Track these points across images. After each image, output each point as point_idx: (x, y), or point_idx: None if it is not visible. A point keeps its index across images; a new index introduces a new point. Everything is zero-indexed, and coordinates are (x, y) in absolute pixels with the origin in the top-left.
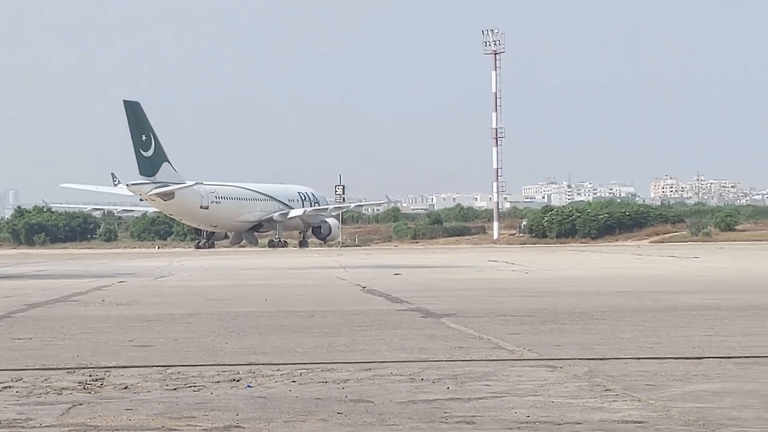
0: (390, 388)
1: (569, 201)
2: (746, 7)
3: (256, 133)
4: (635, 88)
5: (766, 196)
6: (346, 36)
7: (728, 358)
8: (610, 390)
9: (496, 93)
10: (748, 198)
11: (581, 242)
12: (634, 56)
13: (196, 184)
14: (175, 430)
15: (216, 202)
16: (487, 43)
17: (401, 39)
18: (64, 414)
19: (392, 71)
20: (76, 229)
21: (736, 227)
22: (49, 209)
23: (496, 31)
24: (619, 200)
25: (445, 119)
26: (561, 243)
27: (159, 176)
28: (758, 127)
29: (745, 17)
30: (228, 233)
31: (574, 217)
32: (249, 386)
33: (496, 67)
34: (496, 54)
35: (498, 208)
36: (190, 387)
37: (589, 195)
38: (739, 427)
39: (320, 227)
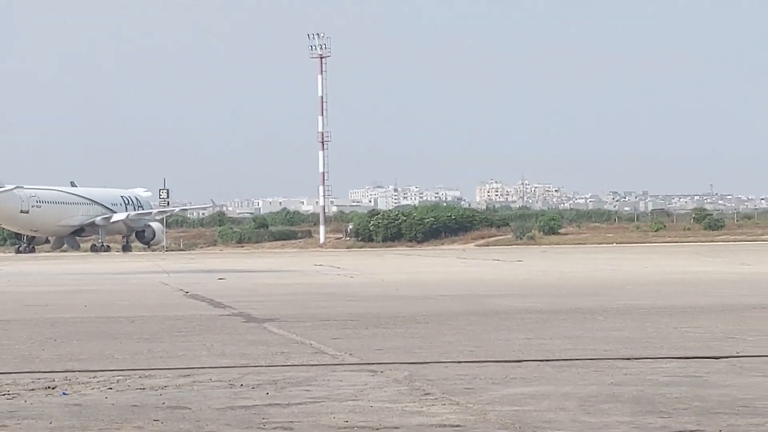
0: (209, 394)
1: (396, 205)
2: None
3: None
4: (460, 93)
5: (588, 200)
6: (169, 37)
7: (547, 361)
8: (429, 394)
9: (322, 97)
10: (571, 202)
11: (407, 246)
12: (455, 60)
13: (16, 188)
14: None
15: (37, 207)
16: (313, 47)
17: (227, 41)
18: None
19: (219, 74)
20: None
21: (560, 231)
22: None
23: (322, 35)
24: (445, 204)
25: (272, 123)
26: (387, 247)
27: None
28: (579, 133)
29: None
30: (49, 238)
31: (400, 220)
32: (64, 393)
33: (322, 71)
34: (322, 58)
35: (324, 212)
36: (3, 395)
37: (415, 199)
38: (554, 430)
39: (144, 231)
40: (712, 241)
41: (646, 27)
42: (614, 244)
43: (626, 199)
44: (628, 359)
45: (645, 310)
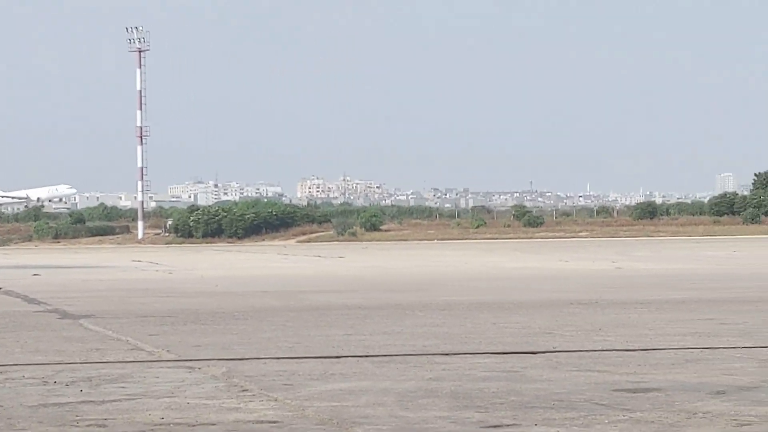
0: (22, 391)
1: (216, 201)
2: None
3: None
4: (280, 87)
5: (410, 197)
6: None
7: (366, 356)
8: (247, 390)
9: (140, 91)
10: (392, 198)
11: (228, 242)
12: (277, 52)
13: None
14: None
15: None
16: (132, 41)
17: (40, 35)
18: None
19: (25, 72)
20: None
21: (381, 227)
22: None
23: (141, 28)
24: (266, 200)
25: (89, 117)
26: (207, 243)
27: None
28: (399, 130)
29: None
30: None
31: (220, 216)
32: None
33: (140, 65)
34: (140, 51)
35: (143, 208)
36: None
37: (236, 195)
38: (372, 425)
39: None
40: (531, 238)
41: (458, 28)
42: (435, 241)
43: (447, 196)
44: (446, 355)
45: (465, 306)
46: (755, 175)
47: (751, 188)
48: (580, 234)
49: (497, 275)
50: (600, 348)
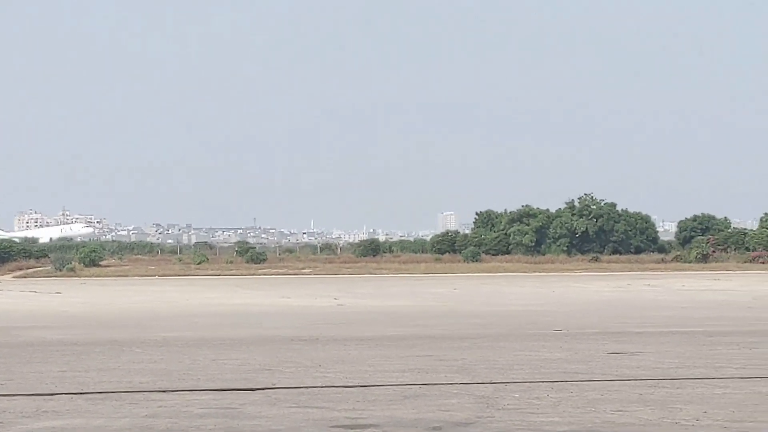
0: None
1: None
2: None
3: None
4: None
5: (131, 232)
6: None
7: (80, 393)
8: None
9: None
10: (113, 234)
11: None
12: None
13: None
14: None
15: None
16: None
17: None
18: None
19: None
20: None
21: (101, 263)
22: None
23: None
24: None
25: None
26: None
27: None
28: (119, 162)
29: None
30: None
31: None
32: None
33: None
34: None
35: None
36: None
37: None
38: None
39: None
40: (254, 274)
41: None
42: (156, 277)
43: (170, 232)
44: (163, 391)
45: (184, 342)
46: (476, 213)
47: (472, 227)
48: (303, 271)
49: (218, 311)
50: (320, 384)
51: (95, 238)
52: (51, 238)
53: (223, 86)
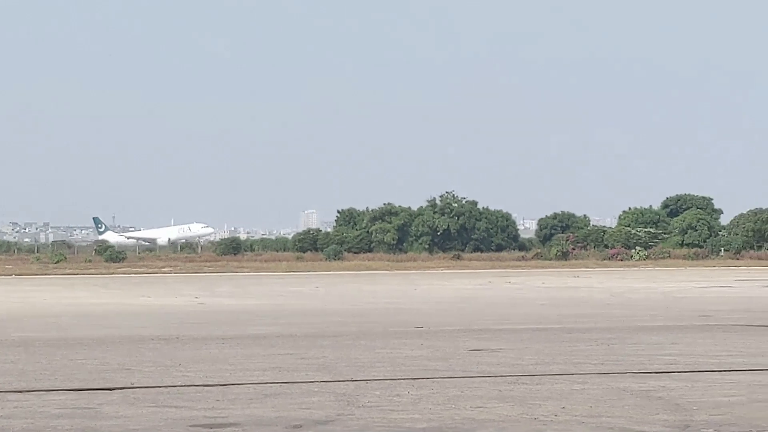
0: None
1: None
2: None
3: None
4: None
5: None
6: None
7: None
8: None
9: None
10: None
11: None
12: None
13: None
14: None
15: None
16: None
17: None
18: None
19: None
20: None
21: None
22: None
23: None
24: None
25: None
26: None
27: None
28: None
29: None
30: None
31: None
32: None
33: None
34: None
35: None
36: None
37: None
38: None
39: None
40: (113, 273)
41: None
42: (13, 276)
43: (27, 230)
44: (19, 392)
45: (41, 342)
46: (338, 212)
47: (334, 225)
48: (164, 270)
49: (76, 311)
50: (179, 383)
51: None
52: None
53: None
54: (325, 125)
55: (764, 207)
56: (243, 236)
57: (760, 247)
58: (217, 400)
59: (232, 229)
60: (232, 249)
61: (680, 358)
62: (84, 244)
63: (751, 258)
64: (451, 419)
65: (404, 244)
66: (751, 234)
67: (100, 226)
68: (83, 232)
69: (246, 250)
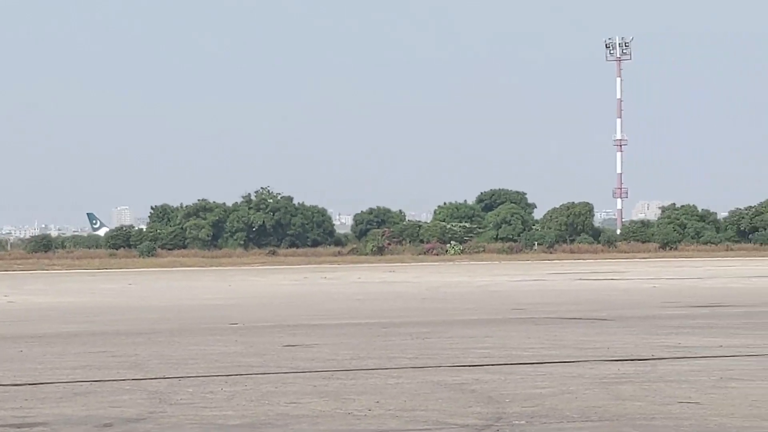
0: None
1: None
2: None
3: None
4: None
5: None
6: None
7: None
8: None
9: None
10: None
11: None
12: None
13: None
14: None
15: None
16: None
17: None
18: None
19: None
20: None
21: None
22: None
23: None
24: None
25: None
26: None
27: None
28: None
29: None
30: None
31: None
32: None
33: None
34: None
35: None
36: None
37: None
38: None
39: None
40: None
41: None
42: None
43: None
44: None
45: None
46: (152, 208)
47: (148, 221)
48: None
49: None
50: None
51: None
52: None
53: None
54: (132, 120)
55: (576, 201)
56: (54, 233)
57: (572, 241)
58: (26, 400)
59: (43, 226)
60: (43, 246)
61: (494, 351)
62: None
63: (564, 252)
64: (265, 415)
65: (219, 241)
66: (563, 228)
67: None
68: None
69: (57, 248)
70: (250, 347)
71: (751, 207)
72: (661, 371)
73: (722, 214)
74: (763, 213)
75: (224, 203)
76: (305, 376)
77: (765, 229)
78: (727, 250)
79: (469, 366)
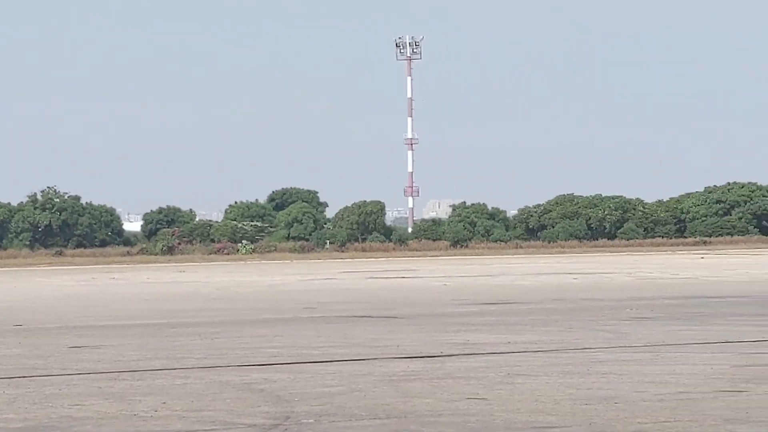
0: None
1: None
2: None
3: None
4: None
5: None
6: None
7: None
8: None
9: None
10: None
11: None
12: None
13: None
14: None
15: None
16: None
17: None
18: None
19: None
20: None
21: None
22: None
23: None
24: None
25: None
26: None
27: None
28: None
29: None
30: None
31: None
32: None
33: None
34: None
35: None
36: None
37: None
38: None
39: None
40: None
41: None
42: None
43: None
44: None
45: None
46: None
47: None
48: None
49: None
50: None
51: None
52: None
53: None
54: None
55: (368, 200)
56: None
57: (364, 240)
58: None
59: None
60: None
61: (284, 350)
62: None
63: (356, 250)
64: (48, 418)
65: (4, 241)
66: (355, 227)
67: None
68: None
69: None
70: (35, 349)
71: (539, 205)
72: (449, 368)
73: (512, 213)
74: (551, 211)
75: (9, 203)
76: (90, 377)
77: (553, 227)
78: (516, 248)
79: (259, 365)
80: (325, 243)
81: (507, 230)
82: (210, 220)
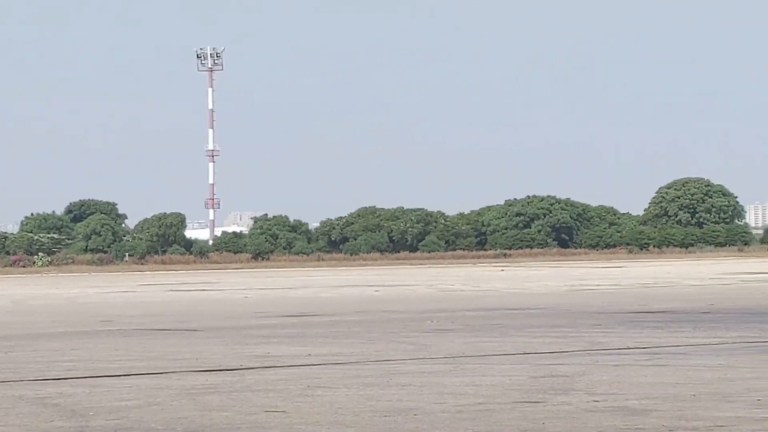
0: None
1: None
2: None
3: None
4: None
5: None
6: None
7: None
8: None
9: None
10: None
11: None
12: None
13: None
14: None
15: None
16: None
17: None
18: None
19: None
20: None
21: None
22: None
23: None
24: None
25: None
26: None
27: None
28: None
29: None
30: None
31: None
32: None
33: None
34: None
35: None
36: None
37: None
38: None
39: None
40: None
41: None
42: None
43: None
44: None
45: None
46: None
47: None
48: None
49: None
50: None
51: None
52: None
53: None
54: None
55: (168, 212)
56: None
57: (164, 252)
58: None
59: None
60: None
61: (80, 364)
62: None
63: (155, 263)
64: None
65: None
66: (155, 239)
67: None
68: None
69: None
70: None
71: (341, 218)
72: (248, 381)
73: (314, 225)
74: (353, 224)
75: None
76: None
77: (355, 240)
78: (318, 261)
79: (54, 379)
80: (124, 255)
81: (309, 242)
82: (5, 232)
